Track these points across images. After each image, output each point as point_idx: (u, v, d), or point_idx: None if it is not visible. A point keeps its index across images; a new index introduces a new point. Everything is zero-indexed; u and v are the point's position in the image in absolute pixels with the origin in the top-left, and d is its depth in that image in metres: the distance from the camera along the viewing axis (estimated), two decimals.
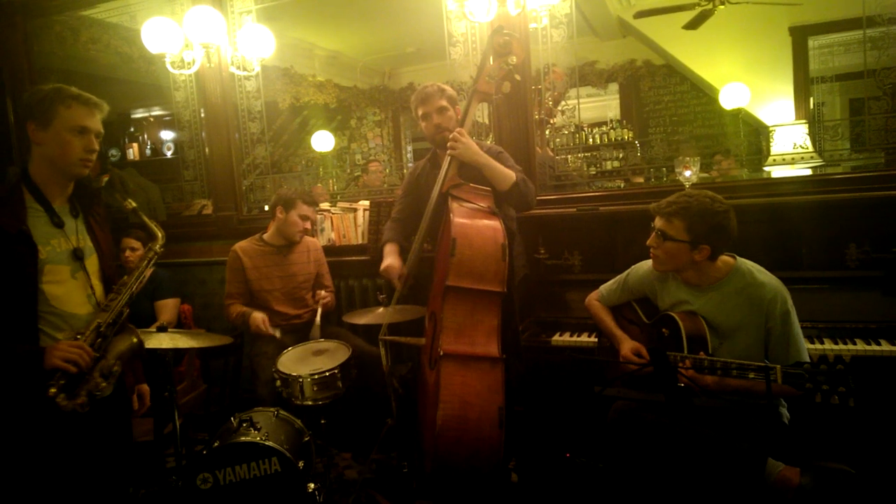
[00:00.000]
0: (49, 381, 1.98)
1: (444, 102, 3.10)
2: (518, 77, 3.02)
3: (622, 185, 4.76)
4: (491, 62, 2.97)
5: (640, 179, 5.10)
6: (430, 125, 3.13)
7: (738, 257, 2.44)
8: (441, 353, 2.65)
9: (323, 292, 3.78)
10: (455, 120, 3.12)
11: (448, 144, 2.94)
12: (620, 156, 7.49)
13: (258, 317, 3.49)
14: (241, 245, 3.71)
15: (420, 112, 3.15)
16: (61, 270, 2.14)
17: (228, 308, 3.62)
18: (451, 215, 2.82)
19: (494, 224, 2.85)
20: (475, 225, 2.82)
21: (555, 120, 4.01)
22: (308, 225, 3.70)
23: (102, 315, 2.16)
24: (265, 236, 3.75)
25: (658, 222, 2.45)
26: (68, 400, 2.00)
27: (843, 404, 1.84)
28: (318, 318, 3.52)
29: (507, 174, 2.94)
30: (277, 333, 3.44)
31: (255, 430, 2.69)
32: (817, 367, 1.92)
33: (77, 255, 2.18)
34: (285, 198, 3.63)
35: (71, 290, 2.16)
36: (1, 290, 2.03)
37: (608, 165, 7.44)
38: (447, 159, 2.96)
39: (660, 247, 2.45)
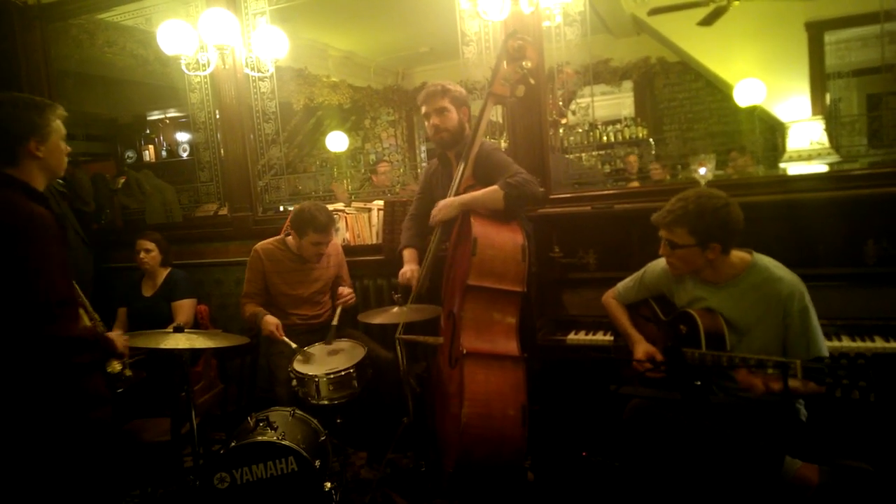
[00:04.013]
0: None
1: (444, 103, 3.10)
2: (532, 81, 3.02)
3: (637, 183, 4.74)
4: (505, 66, 2.97)
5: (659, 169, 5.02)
6: (430, 126, 3.17)
7: (755, 253, 2.42)
8: (464, 351, 2.66)
9: (345, 290, 3.68)
10: (456, 121, 3.13)
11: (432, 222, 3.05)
12: (635, 153, 7.48)
13: (271, 321, 3.45)
14: (263, 246, 3.67)
15: (423, 111, 3.19)
16: None
17: (243, 307, 3.62)
18: (472, 216, 2.83)
19: (513, 225, 2.88)
20: (495, 225, 2.85)
21: (566, 120, 3.99)
22: (322, 249, 3.57)
23: None
24: (289, 240, 3.66)
25: (662, 233, 2.43)
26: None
27: (863, 400, 1.81)
28: (335, 320, 3.47)
29: (495, 197, 2.90)
30: (293, 344, 3.33)
31: (271, 429, 2.70)
32: (837, 361, 1.89)
33: None
34: (296, 226, 3.51)
35: None
36: None
37: (622, 163, 7.42)
38: (460, 166, 2.99)
39: (671, 255, 2.44)
